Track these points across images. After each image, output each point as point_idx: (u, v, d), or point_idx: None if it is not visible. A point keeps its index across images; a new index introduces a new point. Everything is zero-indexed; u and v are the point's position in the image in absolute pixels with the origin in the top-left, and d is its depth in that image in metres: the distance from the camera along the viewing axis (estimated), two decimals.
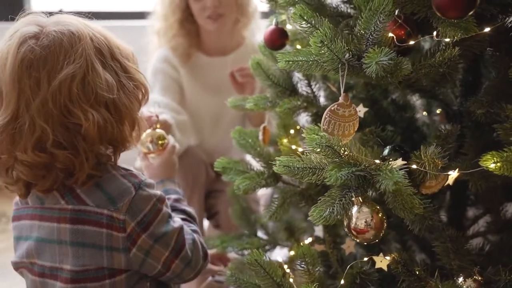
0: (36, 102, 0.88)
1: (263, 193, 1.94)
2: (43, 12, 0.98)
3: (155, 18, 1.91)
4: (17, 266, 1.02)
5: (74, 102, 0.88)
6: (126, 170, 0.98)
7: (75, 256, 0.93)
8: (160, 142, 1.19)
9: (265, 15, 1.94)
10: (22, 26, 0.92)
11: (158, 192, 0.98)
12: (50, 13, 0.98)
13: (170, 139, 1.22)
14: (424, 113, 1.38)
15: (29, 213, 0.98)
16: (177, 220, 1.02)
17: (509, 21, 0.93)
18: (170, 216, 1.00)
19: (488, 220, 1.23)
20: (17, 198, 1.02)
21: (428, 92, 1.07)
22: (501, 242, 1.15)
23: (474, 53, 0.95)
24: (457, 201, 1.21)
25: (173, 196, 1.16)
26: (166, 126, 1.26)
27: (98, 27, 0.98)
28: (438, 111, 1.31)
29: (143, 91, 1.00)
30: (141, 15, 2.21)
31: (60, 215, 0.93)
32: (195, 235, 1.06)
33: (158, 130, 1.20)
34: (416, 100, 1.31)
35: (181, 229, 1.01)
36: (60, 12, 1.00)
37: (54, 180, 0.92)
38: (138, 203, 0.93)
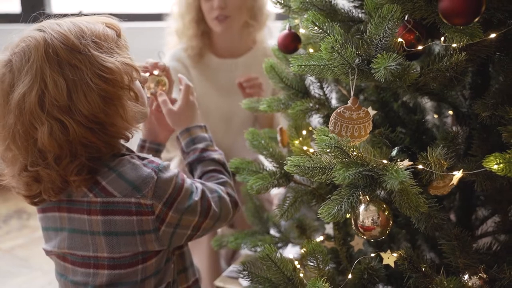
0: (7, 126, 0.94)
1: (276, 192, 1.98)
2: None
3: (172, 18, 1.96)
4: (49, 254, 1.09)
5: (35, 117, 0.92)
6: (144, 158, 1.03)
7: (109, 245, 0.99)
8: (160, 86, 1.23)
9: (281, 16, 1.97)
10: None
11: (175, 170, 1.04)
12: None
13: (183, 80, 1.24)
14: (435, 115, 1.41)
15: (56, 205, 1.04)
16: (198, 186, 1.08)
17: None
18: (192, 187, 1.06)
19: (496, 220, 1.25)
20: None
21: (436, 95, 1.10)
22: (508, 242, 1.18)
23: (482, 57, 0.98)
24: (466, 202, 1.24)
25: (200, 146, 1.20)
26: (166, 70, 1.26)
27: (64, 24, 0.98)
28: (450, 112, 1.33)
29: (120, 78, 0.97)
30: (159, 17, 2.26)
31: (90, 208, 0.99)
32: (220, 189, 1.12)
33: (157, 74, 1.23)
34: (426, 102, 1.34)
35: (202, 194, 1.07)
36: (79, 14, 1.04)
37: (52, 193, 0.99)
38: (161, 186, 0.99)
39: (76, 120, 0.93)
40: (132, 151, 1.07)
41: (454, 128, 1.26)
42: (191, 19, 1.86)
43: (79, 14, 1.04)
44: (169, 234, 1.02)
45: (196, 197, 1.05)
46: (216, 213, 1.08)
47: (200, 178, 1.19)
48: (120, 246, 0.99)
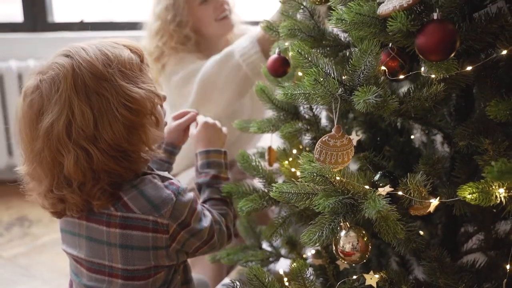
0: (35, 151, 0.99)
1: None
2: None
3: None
4: (66, 252, 1.15)
5: (62, 145, 0.97)
6: (165, 179, 1.09)
7: (124, 257, 1.05)
8: None
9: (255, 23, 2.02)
10: (27, 79, 1.03)
11: (191, 194, 1.11)
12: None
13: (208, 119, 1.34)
14: (423, 134, 1.44)
15: None
16: (207, 214, 1.15)
17: (493, 56, 0.99)
18: (201, 213, 1.13)
19: (480, 238, 1.28)
20: None
21: (420, 119, 1.13)
22: (491, 260, 1.21)
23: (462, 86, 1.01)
24: (452, 218, 1.27)
25: (213, 172, 1.27)
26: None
27: (90, 49, 1.01)
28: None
29: (143, 106, 1.01)
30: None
31: (109, 220, 1.05)
32: (222, 222, 1.20)
33: None
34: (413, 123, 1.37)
35: (211, 224, 1.14)
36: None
37: (75, 211, 1.04)
38: (179, 208, 1.06)
39: (101, 148, 0.98)
40: (153, 170, 1.12)
41: (442, 147, 1.29)
42: (181, 33, 1.92)
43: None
44: (176, 250, 1.10)
45: (206, 223, 1.13)
46: (215, 244, 1.17)
47: (204, 202, 1.26)
48: (134, 259, 1.05)
